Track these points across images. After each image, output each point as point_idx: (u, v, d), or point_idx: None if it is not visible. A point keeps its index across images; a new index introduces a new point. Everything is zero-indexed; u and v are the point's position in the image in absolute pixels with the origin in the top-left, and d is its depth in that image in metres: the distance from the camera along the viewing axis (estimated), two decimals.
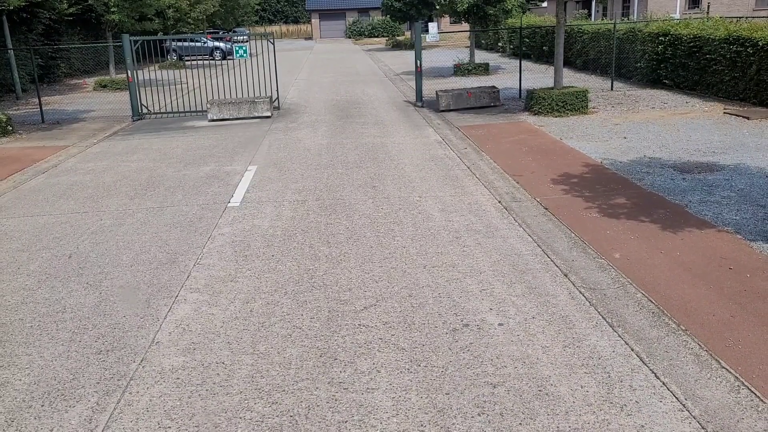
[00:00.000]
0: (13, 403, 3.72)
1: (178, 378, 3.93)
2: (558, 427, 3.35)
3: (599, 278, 5.22)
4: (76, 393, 3.80)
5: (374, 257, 5.79)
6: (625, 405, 3.53)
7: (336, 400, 3.64)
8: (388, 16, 39.34)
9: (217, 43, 34.99)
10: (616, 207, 6.99)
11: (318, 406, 3.60)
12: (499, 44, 29.71)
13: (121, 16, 19.87)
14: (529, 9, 32.24)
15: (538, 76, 18.62)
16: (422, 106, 14.83)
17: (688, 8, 32.58)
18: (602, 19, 32.43)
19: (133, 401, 3.70)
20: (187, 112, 15.03)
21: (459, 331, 4.39)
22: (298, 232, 6.54)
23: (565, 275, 5.29)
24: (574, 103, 12.58)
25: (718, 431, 3.30)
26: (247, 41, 42.77)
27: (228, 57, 34.23)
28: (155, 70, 18.22)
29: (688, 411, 3.47)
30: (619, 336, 4.28)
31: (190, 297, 5.08)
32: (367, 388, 3.75)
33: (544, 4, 41.06)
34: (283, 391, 3.76)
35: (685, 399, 3.57)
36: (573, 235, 6.22)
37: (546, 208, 7.07)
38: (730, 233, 6.02)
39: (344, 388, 3.76)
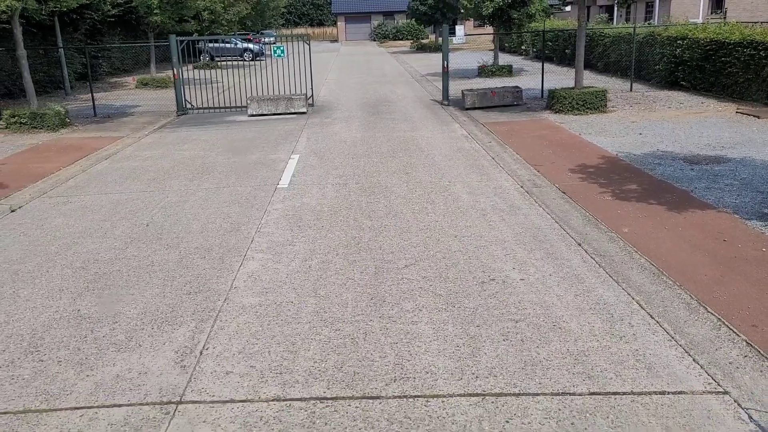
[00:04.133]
0: (129, 326, 4.64)
1: (257, 312, 4.81)
2: (568, 350, 4.16)
3: (609, 247, 6.00)
4: (177, 320, 4.71)
5: (411, 229, 6.63)
6: (624, 336, 4.33)
7: (387, 329, 4.50)
8: (414, 19, 40.23)
9: (247, 45, 36.19)
10: (627, 192, 7.75)
11: (373, 332, 4.46)
12: (523, 47, 30.39)
13: (164, 17, 21.01)
14: (553, 14, 32.86)
15: (559, 78, 19.31)
16: (448, 105, 15.66)
17: (711, 12, 32.97)
18: (624, 23, 32.96)
19: (224, 326, 4.59)
20: (228, 107, 16.05)
21: (486, 284, 5.22)
22: (343, 209, 7.41)
23: (579, 244, 6.09)
24: (594, 102, 13.30)
25: (699, 355, 4.08)
26: (274, 43, 43.97)
27: (258, 58, 35.41)
28: (190, 70, 19.25)
29: (676, 341, 4.25)
30: (623, 289, 5.07)
31: (257, 256, 5.98)
32: (412, 321, 4.60)
33: (568, 9, 41.65)
34: (344, 321, 4.62)
35: (674, 333, 4.36)
36: (587, 213, 7.00)
37: (564, 192, 7.86)
38: (728, 213, 6.76)
39: (393, 321, 4.61)
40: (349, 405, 3.62)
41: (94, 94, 19.62)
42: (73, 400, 3.76)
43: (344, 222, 6.93)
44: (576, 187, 8.05)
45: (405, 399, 3.67)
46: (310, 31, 78.17)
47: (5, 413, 3.65)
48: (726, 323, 4.45)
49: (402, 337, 4.37)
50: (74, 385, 3.91)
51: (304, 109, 15.21)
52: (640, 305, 4.78)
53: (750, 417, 3.44)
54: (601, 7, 39.27)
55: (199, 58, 31.72)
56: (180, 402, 3.69)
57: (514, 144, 10.81)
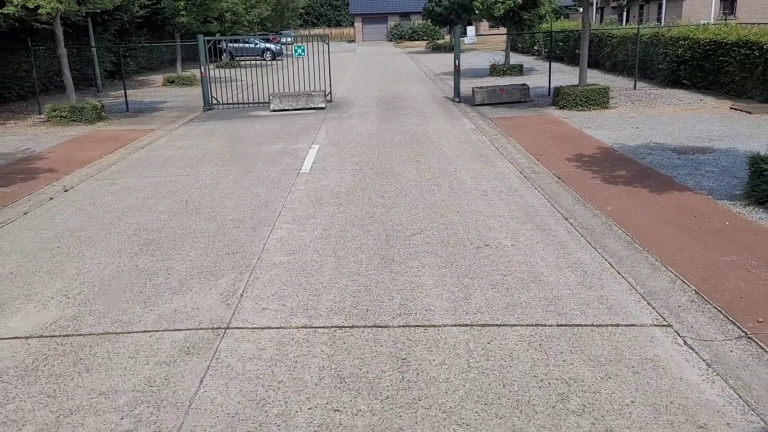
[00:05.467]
0: (181, 276, 5.57)
1: (286, 267, 5.72)
2: (545, 296, 5.01)
3: (592, 221, 6.83)
4: (219, 273, 5.63)
5: (419, 206, 7.51)
6: (592, 286, 5.17)
7: (395, 280, 5.38)
8: (429, 20, 41.03)
9: (267, 45, 37.31)
10: (616, 177, 8.55)
11: (383, 282, 5.34)
12: (535, 48, 31.09)
13: (189, 18, 22.09)
14: (567, 15, 33.44)
15: (568, 77, 20.03)
16: (459, 101, 16.50)
17: (723, 14, 33.42)
18: (635, 24, 33.52)
19: (259, 277, 5.50)
20: (251, 103, 17.03)
21: (481, 248, 6.07)
22: (358, 190, 8.31)
23: (566, 219, 6.92)
24: (596, 99, 14.07)
25: (653, 300, 4.90)
26: (292, 43, 45.03)
27: (277, 58, 36.49)
28: (213, 69, 20.27)
29: (636, 290, 5.08)
30: (599, 253, 5.90)
31: (284, 226, 6.89)
32: (416, 275, 5.47)
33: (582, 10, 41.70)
34: (358, 274, 5.51)
35: (636, 284, 5.19)
36: (577, 195, 7.82)
37: (559, 178, 8.67)
38: (703, 195, 7.54)
39: (400, 274, 5.49)
40: (363, 331, 4.51)
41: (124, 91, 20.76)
42: (141, 326, 4.69)
43: (360, 200, 7.82)
44: (570, 173, 8.86)
45: (407, 327, 4.54)
46: (327, 31, 79.27)
47: (90, 334, 4.58)
48: (681, 278, 5.27)
49: (407, 286, 5.25)
50: (141, 316, 4.84)
51: (322, 105, 16.15)
52: (610, 264, 5.61)
53: (684, 342, 4.27)
54: (614, 8, 39.78)
55: (221, 57, 32.88)
56: (227, 328, 4.60)
57: (518, 136, 11.63)
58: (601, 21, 41.20)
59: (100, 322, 4.77)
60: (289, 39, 47.96)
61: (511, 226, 6.72)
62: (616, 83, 17.98)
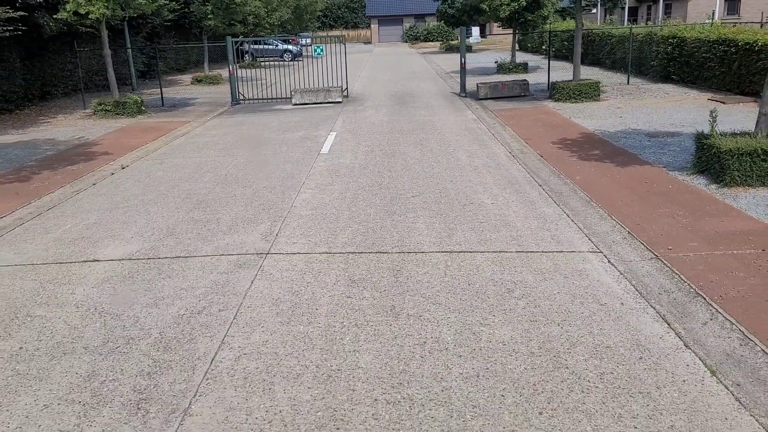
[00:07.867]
0: (228, 224, 7.13)
1: (310, 218, 7.25)
2: (510, 235, 6.47)
3: (561, 187, 8.27)
4: (258, 221, 7.18)
5: (419, 177, 9.00)
6: (549, 229, 6.62)
7: (395, 225, 6.88)
8: (443, 21, 42.40)
9: (287, 46, 39.05)
10: (590, 156, 9.96)
11: (386, 226, 6.84)
12: (543, 47, 32.38)
13: (216, 21, 23.81)
14: (574, 16, 34.58)
15: (569, 73, 21.29)
16: (465, 96, 17.96)
17: (727, 14, 34.42)
18: (644, 23, 34.65)
19: (289, 224, 7.04)
20: (274, 98, 18.64)
21: (467, 205, 7.55)
22: (370, 166, 9.82)
23: (540, 186, 8.37)
24: (588, 92, 15.44)
25: (594, 237, 6.34)
26: (310, 45, 46.68)
27: (297, 58, 38.19)
28: (237, 69, 21.86)
29: (583, 232, 6.52)
30: (560, 208, 7.35)
31: (308, 191, 8.43)
32: (412, 222, 6.97)
33: (594, 11, 43.05)
34: (367, 222, 7.02)
35: (583, 228, 6.63)
36: (554, 169, 9.25)
37: (542, 156, 10.11)
38: (659, 167, 8.94)
39: (400, 222, 6.99)
40: (369, 255, 6.01)
41: (156, 89, 22.48)
42: (203, 252, 6.24)
43: (370, 173, 9.33)
44: (552, 153, 10.29)
45: (402, 253, 6.04)
46: (344, 33, 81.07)
47: (166, 258, 6.15)
48: (620, 224, 6.70)
49: (404, 228, 6.75)
50: (202, 247, 6.40)
51: (339, 99, 17.70)
52: (567, 216, 7.06)
53: (609, 261, 5.72)
54: (622, 8, 40.91)
55: (243, 58, 34.62)
56: (267, 253, 6.14)
57: (514, 125, 13.06)
58: (605, 20, 42.25)
59: (172, 251, 6.34)
60: (307, 40, 49.67)
61: (494, 190, 8.19)
62: (613, 79, 19.30)
